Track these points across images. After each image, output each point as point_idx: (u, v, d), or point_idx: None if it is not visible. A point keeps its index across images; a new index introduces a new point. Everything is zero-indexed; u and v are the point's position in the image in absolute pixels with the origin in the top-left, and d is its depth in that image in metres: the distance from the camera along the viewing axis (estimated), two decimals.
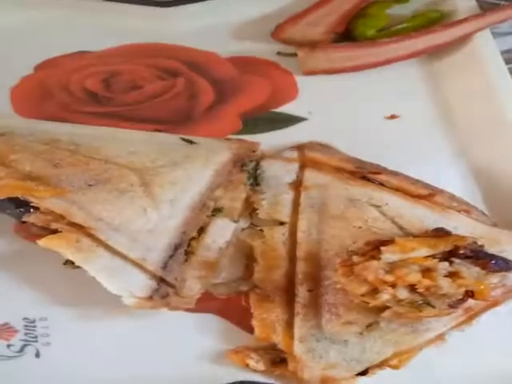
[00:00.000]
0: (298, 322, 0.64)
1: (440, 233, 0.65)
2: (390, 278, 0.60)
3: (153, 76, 0.93)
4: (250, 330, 0.66)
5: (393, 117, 0.89)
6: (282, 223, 0.73)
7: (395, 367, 0.63)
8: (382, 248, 0.62)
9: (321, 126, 0.87)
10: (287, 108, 0.90)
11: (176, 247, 0.68)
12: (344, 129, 0.87)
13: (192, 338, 0.67)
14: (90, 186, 0.68)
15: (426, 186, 0.77)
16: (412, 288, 0.60)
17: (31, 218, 0.66)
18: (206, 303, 0.68)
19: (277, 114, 0.89)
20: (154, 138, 0.79)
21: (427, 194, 0.75)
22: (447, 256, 0.62)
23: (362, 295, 0.61)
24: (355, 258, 0.62)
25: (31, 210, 0.67)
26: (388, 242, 0.63)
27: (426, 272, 0.60)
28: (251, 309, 0.67)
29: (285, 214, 0.74)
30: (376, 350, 0.63)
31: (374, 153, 0.81)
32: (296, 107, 0.90)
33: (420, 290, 0.60)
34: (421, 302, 0.60)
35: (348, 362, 0.63)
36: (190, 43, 0.97)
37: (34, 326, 0.67)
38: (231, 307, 0.69)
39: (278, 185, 0.77)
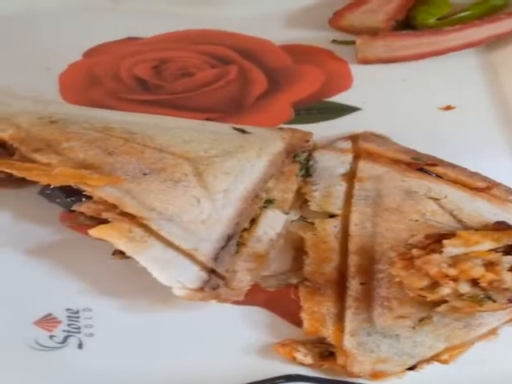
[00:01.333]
0: (349, 315, 0.65)
1: (502, 226, 0.66)
2: (452, 272, 0.60)
3: (204, 63, 0.95)
4: (298, 323, 0.67)
5: (449, 108, 0.90)
6: (333, 215, 0.74)
7: (445, 362, 0.63)
8: (445, 241, 0.62)
9: (375, 116, 0.88)
10: (341, 97, 0.91)
11: (229, 238, 0.69)
12: (398, 119, 0.88)
13: (239, 331, 0.68)
14: (145, 174, 0.70)
15: (484, 178, 0.78)
16: (474, 282, 0.60)
17: (82, 207, 0.68)
18: (253, 296, 0.69)
19: (330, 104, 0.90)
20: (206, 127, 0.80)
21: (485, 187, 0.76)
22: (509, 250, 0.63)
23: (421, 289, 0.62)
24: (415, 252, 0.63)
25: (82, 199, 0.68)
26: (449, 235, 0.64)
27: (490, 266, 0.61)
28: (300, 302, 0.68)
29: (337, 207, 0.75)
30: (428, 345, 0.64)
31: (430, 144, 0.82)
32: (350, 97, 0.91)
33: (482, 285, 0.60)
34: (482, 296, 0.61)
35: (399, 357, 0.63)
36: (244, 30, 0.98)
37: (78, 317, 0.68)
38: (279, 300, 0.70)
39: (331, 176, 0.78)
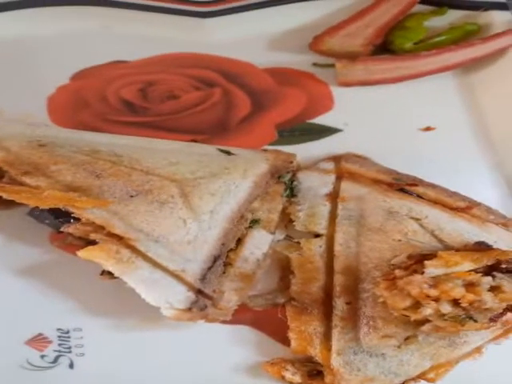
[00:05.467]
0: (335, 334, 0.65)
1: (481, 247, 0.66)
2: (434, 293, 0.60)
3: (189, 86, 0.93)
4: (286, 342, 0.66)
5: (428, 129, 0.89)
6: (318, 235, 0.73)
7: (432, 380, 0.63)
8: (426, 262, 0.62)
9: (356, 137, 0.87)
10: (323, 119, 0.90)
11: (215, 259, 0.68)
12: (379, 140, 0.87)
13: (227, 350, 0.67)
14: (132, 196, 0.69)
15: (464, 198, 0.77)
16: (455, 302, 0.60)
17: (70, 228, 0.67)
18: (241, 315, 0.68)
19: (312, 125, 0.90)
20: (192, 149, 0.79)
21: (465, 207, 0.75)
22: (489, 270, 0.62)
23: (404, 309, 0.61)
24: (398, 272, 0.63)
25: (71, 220, 0.67)
26: (431, 255, 0.63)
27: (470, 286, 0.60)
28: (287, 321, 0.67)
29: (321, 226, 0.74)
30: (414, 363, 0.63)
31: (410, 164, 0.82)
32: (332, 118, 0.90)
33: (463, 305, 0.60)
34: (463, 317, 0.60)
35: (386, 376, 0.63)
36: (227, 54, 0.97)
37: (68, 337, 0.67)
38: (266, 319, 0.69)
39: (315, 196, 0.77)
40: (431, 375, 0.63)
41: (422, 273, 0.61)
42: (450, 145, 0.87)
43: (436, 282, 0.61)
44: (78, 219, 0.67)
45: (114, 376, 0.65)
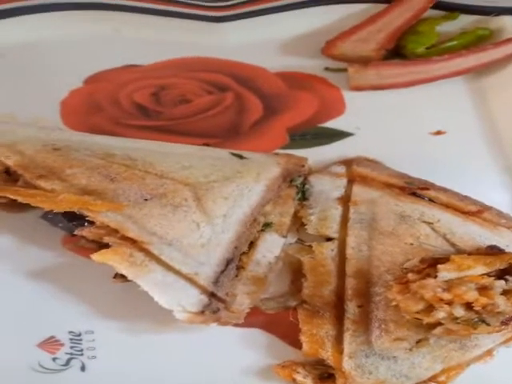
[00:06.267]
0: (347, 337, 0.64)
1: (494, 250, 0.65)
2: (447, 296, 0.60)
3: (202, 90, 0.94)
4: (297, 345, 0.66)
5: (439, 133, 0.89)
6: (330, 239, 0.73)
7: (442, 383, 0.63)
8: (439, 266, 0.62)
9: (368, 141, 0.87)
10: (334, 123, 0.90)
11: (228, 262, 0.67)
12: (391, 144, 0.87)
13: (239, 353, 0.67)
14: (146, 200, 0.69)
15: (475, 202, 0.77)
16: (468, 306, 0.60)
17: (84, 231, 0.67)
18: (253, 318, 0.68)
19: (324, 129, 0.89)
20: (205, 153, 0.79)
21: (476, 211, 0.75)
22: (501, 274, 0.62)
23: (417, 312, 0.61)
24: (410, 276, 0.63)
25: (85, 223, 0.67)
26: (443, 259, 0.63)
27: (483, 290, 0.60)
28: (299, 324, 0.66)
29: (333, 230, 0.74)
30: (425, 366, 0.63)
31: (421, 168, 0.81)
32: (343, 122, 0.90)
33: (476, 308, 0.60)
34: (476, 320, 0.60)
35: (397, 378, 0.62)
36: (240, 58, 0.98)
37: (80, 340, 0.67)
38: (278, 322, 0.69)
39: (327, 200, 0.77)
40: (442, 378, 0.63)
41: (435, 276, 0.61)
42: (461, 149, 0.87)
43: (449, 285, 0.60)
44: (91, 222, 0.67)
45: (125, 379, 0.64)
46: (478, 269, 0.62)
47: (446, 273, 0.61)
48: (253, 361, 0.66)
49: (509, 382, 0.65)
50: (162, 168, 0.73)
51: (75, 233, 0.68)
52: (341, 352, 0.64)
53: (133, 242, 0.66)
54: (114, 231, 0.66)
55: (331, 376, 0.63)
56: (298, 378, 0.64)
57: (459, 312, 0.60)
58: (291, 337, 0.67)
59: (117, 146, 0.76)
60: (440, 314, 0.60)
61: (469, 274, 0.61)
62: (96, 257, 0.64)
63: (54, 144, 0.74)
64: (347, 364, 0.63)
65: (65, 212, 0.68)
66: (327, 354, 0.64)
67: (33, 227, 0.74)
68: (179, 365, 0.66)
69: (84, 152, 0.74)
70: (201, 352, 0.67)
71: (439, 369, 0.63)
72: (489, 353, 0.64)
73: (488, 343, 0.64)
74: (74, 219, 0.68)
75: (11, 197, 0.69)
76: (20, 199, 0.68)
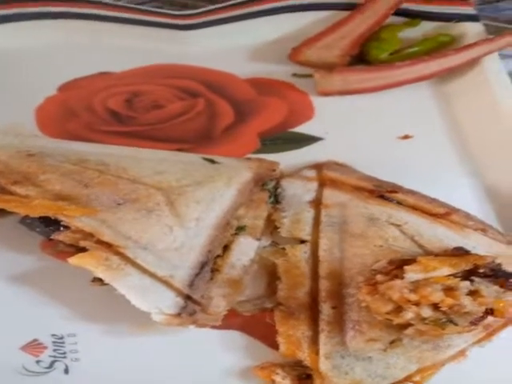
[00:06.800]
0: (322, 338, 0.64)
1: (460, 252, 0.66)
2: (414, 297, 0.60)
3: (173, 96, 0.93)
4: (275, 346, 0.65)
5: (406, 137, 0.89)
6: (303, 241, 0.73)
7: (418, 383, 0.62)
8: (406, 267, 0.62)
9: (337, 145, 0.87)
10: (304, 128, 0.90)
11: (202, 265, 0.67)
12: (359, 148, 0.87)
13: (218, 355, 0.66)
14: (119, 204, 0.68)
15: (442, 204, 0.76)
16: (435, 306, 0.60)
17: (61, 236, 0.66)
18: (230, 320, 0.67)
19: (294, 134, 0.89)
20: (177, 158, 0.79)
21: (444, 213, 0.75)
22: (467, 275, 0.62)
23: (387, 313, 0.61)
24: (379, 277, 0.63)
25: (61, 228, 0.67)
26: (410, 261, 0.63)
27: (449, 291, 0.60)
28: (276, 325, 0.66)
29: (306, 232, 0.73)
30: (400, 367, 0.63)
31: (389, 172, 0.81)
32: (313, 127, 0.90)
33: (443, 309, 0.60)
34: (444, 320, 0.60)
35: (373, 379, 0.62)
36: (210, 65, 0.97)
37: (63, 343, 0.66)
38: (255, 324, 0.68)
39: (299, 203, 0.77)
40: (417, 378, 0.62)
41: (402, 278, 0.61)
42: (428, 152, 0.87)
43: (416, 286, 0.60)
44: (67, 227, 0.66)
45: (108, 380, 0.64)
46: (444, 270, 0.62)
47: (412, 274, 0.61)
48: (232, 362, 0.66)
49: (482, 382, 0.65)
50: (135, 173, 0.72)
51: (52, 237, 0.67)
52: (317, 353, 0.63)
53: (108, 246, 0.65)
54: (89, 235, 0.66)
55: (310, 377, 0.63)
56: (277, 379, 0.63)
57: (427, 312, 0.60)
58: (269, 338, 0.66)
59: (91, 152, 0.75)
60: (408, 315, 0.60)
61: (435, 276, 0.61)
62: (73, 260, 0.63)
63: (28, 150, 0.74)
64: (324, 365, 0.62)
65: (41, 217, 0.67)
66: (304, 355, 0.64)
67: (11, 232, 0.73)
68: (160, 366, 0.65)
69: (58, 158, 0.73)
70: (181, 354, 0.66)
71: (414, 369, 0.63)
72: (462, 353, 0.64)
73: (460, 343, 0.64)
74: (51, 224, 0.68)
75: None
76: None
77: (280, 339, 0.65)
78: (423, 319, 0.60)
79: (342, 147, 0.86)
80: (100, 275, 0.63)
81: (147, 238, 0.67)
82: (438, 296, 0.60)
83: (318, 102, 0.94)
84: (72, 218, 0.66)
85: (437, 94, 0.95)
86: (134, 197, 0.69)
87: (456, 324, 0.60)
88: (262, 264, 0.72)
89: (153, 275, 0.65)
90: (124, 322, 0.67)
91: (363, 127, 0.90)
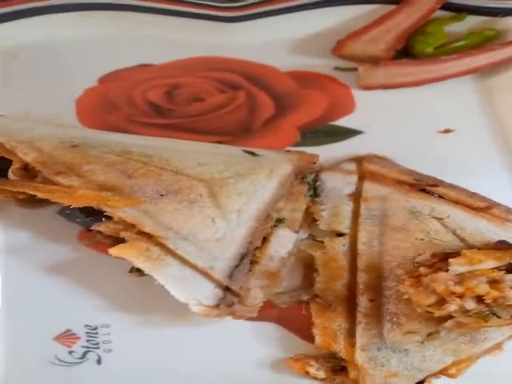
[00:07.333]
0: (359, 331, 0.65)
1: (503, 245, 0.66)
2: (459, 290, 0.60)
3: (214, 89, 0.94)
4: (310, 338, 0.66)
5: (447, 131, 0.89)
6: (341, 234, 0.73)
7: (453, 376, 0.63)
8: (450, 260, 0.62)
9: (377, 139, 0.87)
10: (345, 121, 0.90)
11: (242, 257, 0.68)
12: (400, 142, 0.87)
13: (253, 346, 0.67)
14: (162, 196, 0.69)
15: (483, 198, 0.77)
16: (479, 299, 0.60)
17: (102, 226, 0.67)
18: (266, 312, 0.68)
19: (334, 127, 0.89)
20: (218, 150, 0.79)
21: (485, 207, 0.75)
22: (511, 268, 0.62)
23: (429, 306, 0.61)
24: (422, 270, 0.63)
25: (102, 218, 0.67)
26: (454, 254, 0.63)
27: (494, 283, 0.60)
28: (312, 318, 0.67)
29: (345, 225, 0.74)
30: (436, 359, 0.63)
31: (430, 166, 0.81)
32: (353, 120, 0.90)
33: (487, 301, 0.60)
34: (487, 313, 0.60)
35: (409, 371, 0.62)
36: (251, 57, 0.97)
37: (96, 333, 0.67)
38: (291, 316, 0.69)
39: (338, 196, 0.77)
40: (453, 370, 0.63)
41: (447, 270, 0.61)
42: (469, 147, 0.87)
43: (460, 279, 0.61)
44: (109, 218, 0.67)
45: (140, 371, 0.65)
46: (489, 263, 0.62)
47: (457, 266, 0.62)
48: (266, 354, 0.66)
49: None
50: (178, 164, 0.73)
51: (92, 228, 0.68)
52: (353, 345, 0.64)
53: (149, 236, 0.66)
54: (130, 226, 0.66)
55: (344, 369, 0.64)
56: (311, 370, 0.64)
57: (470, 305, 0.60)
58: (304, 330, 0.67)
59: (133, 144, 0.76)
60: (451, 307, 0.60)
61: (480, 268, 0.62)
62: (113, 251, 0.64)
63: (71, 141, 0.74)
64: (359, 357, 0.63)
65: (82, 207, 0.68)
66: (340, 347, 0.64)
67: (49, 223, 0.74)
68: (193, 357, 0.66)
69: (101, 149, 0.74)
70: (215, 345, 0.67)
71: (450, 361, 0.63)
72: (498, 346, 0.65)
73: (497, 336, 0.64)
74: (91, 214, 0.69)
75: (31, 192, 0.69)
76: (40, 195, 0.68)
77: (316, 331, 0.66)
78: (466, 312, 0.60)
79: (383, 141, 0.86)
80: (140, 266, 0.64)
81: (188, 229, 0.67)
82: (483, 288, 0.60)
83: (359, 95, 0.94)
84: (115, 208, 0.67)
85: (479, 89, 0.94)
86: (177, 188, 0.70)
87: (499, 317, 0.61)
88: (299, 256, 0.73)
89: (193, 266, 0.65)
90: (158, 313, 0.68)
91: (404, 121, 0.90)
